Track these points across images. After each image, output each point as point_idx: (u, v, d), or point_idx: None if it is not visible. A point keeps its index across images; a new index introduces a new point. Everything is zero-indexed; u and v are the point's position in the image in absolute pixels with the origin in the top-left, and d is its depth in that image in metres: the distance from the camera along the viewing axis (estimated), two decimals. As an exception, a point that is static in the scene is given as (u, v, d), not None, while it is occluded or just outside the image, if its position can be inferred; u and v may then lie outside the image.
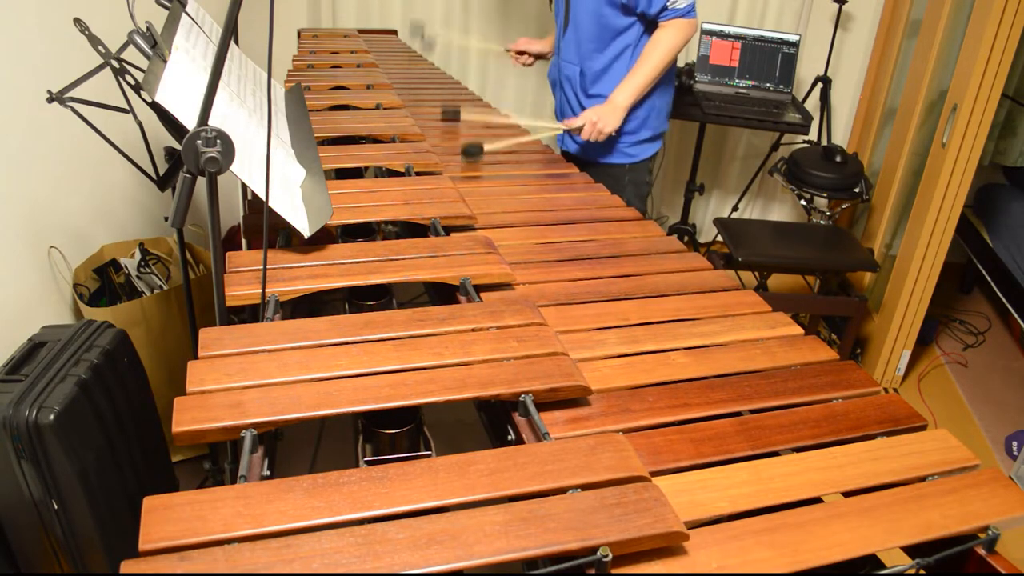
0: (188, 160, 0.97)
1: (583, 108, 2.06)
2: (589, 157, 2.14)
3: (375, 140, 1.73)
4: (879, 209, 2.94)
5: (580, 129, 1.94)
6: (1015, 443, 2.48)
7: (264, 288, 1.10)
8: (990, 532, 0.80)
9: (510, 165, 1.79)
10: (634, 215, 1.59)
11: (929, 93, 2.66)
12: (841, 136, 3.38)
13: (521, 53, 2.33)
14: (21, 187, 1.70)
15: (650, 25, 1.96)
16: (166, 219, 1.12)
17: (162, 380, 1.93)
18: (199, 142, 0.96)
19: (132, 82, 1.33)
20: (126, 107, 1.35)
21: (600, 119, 1.92)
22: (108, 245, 2.04)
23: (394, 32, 2.95)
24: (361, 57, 2.40)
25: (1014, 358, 3.05)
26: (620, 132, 2.02)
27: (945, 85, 2.53)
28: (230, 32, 0.93)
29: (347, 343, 1.00)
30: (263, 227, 1.06)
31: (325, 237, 1.28)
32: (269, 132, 1.06)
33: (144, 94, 1.21)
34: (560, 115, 2.25)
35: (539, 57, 2.35)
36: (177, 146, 1.12)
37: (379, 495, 0.75)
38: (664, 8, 1.87)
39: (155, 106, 1.10)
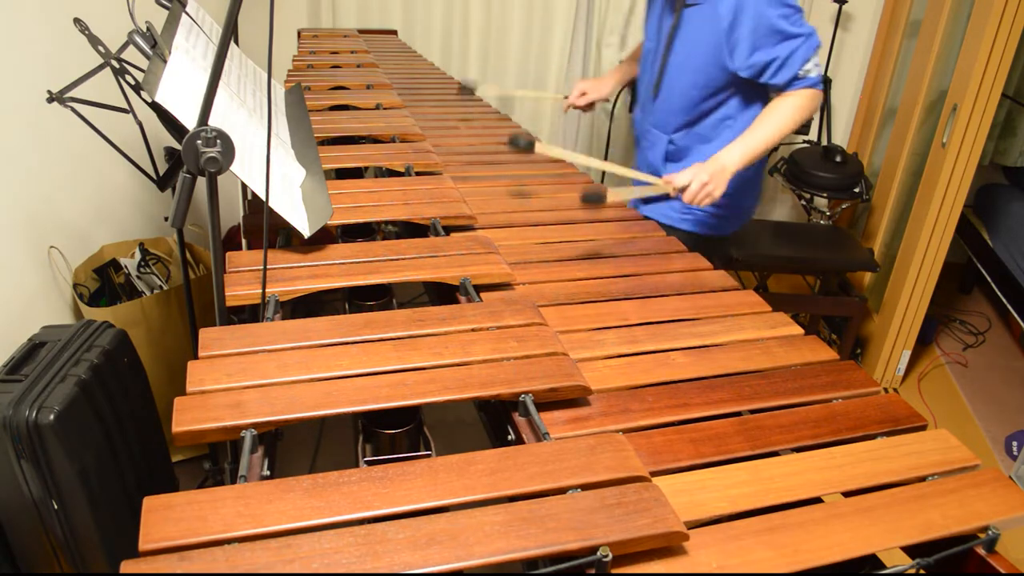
0: (188, 160, 0.97)
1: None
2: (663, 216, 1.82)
3: (375, 140, 1.73)
4: (879, 209, 2.94)
5: (683, 189, 1.59)
6: (1015, 443, 2.48)
7: (264, 288, 1.10)
8: (990, 532, 0.80)
9: (510, 165, 1.79)
10: (634, 215, 1.59)
11: (929, 93, 2.66)
12: (841, 136, 3.38)
13: (583, 101, 2.02)
14: (21, 187, 1.70)
15: (753, 95, 1.70)
16: (166, 219, 1.13)
17: (162, 380, 1.93)
18: (199, 142, 0.96)
19: (132, 82, 1.33)
20: (126, 107, 1.35)
21: (712, 180, 1.57)
22: (108, 245, 2.04)
23: (394, 32, 2.95)
24: (361, 57, 2.40)
25: (1014, 358, 3.05)
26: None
27: (945, 85, 2.53)
28: (230, 32, 0.93)
29: (347, 343, 1.00)
30: (263, 227, 1.06)
31: (325, 237, 1.28)
32: (269, 132, 1.06)
33: (144, 94, 1.22)
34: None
35: (603, 100, 2.05)
36: (177, 146, 1.12)
37: (379, 495, 0.75)
38: (795, 78, 1.59)
39: (155, 106, 1.10)
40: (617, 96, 2.10)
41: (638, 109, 1.91)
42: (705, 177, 1.56)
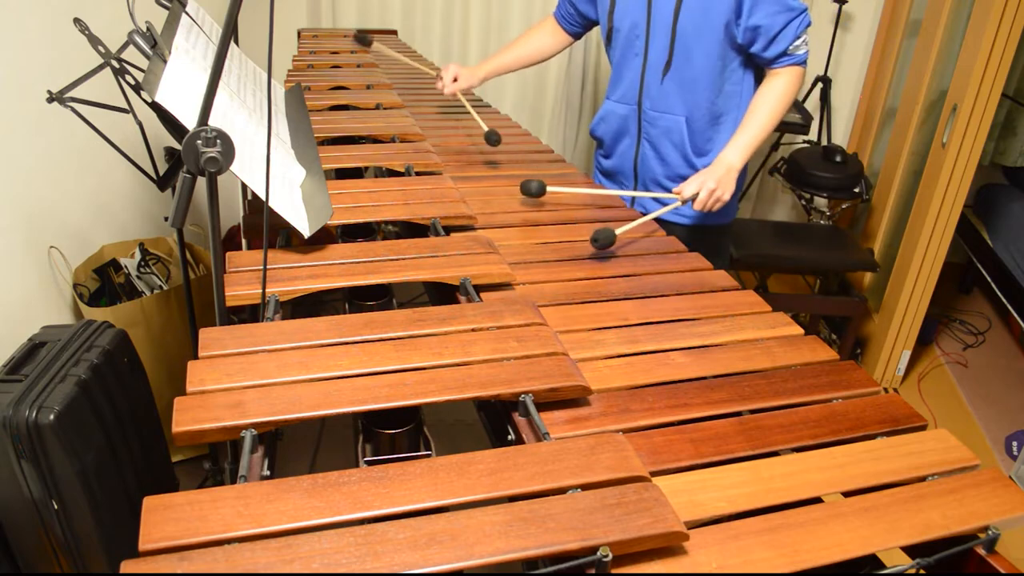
0: (188, 160, 0.97)
1: (693, 169, 1.71)
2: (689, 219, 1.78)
3: (375, 140, 1.73)
4: (879, 209, 2.94)
5: (693, 199, 1.56)
6: (1015, 443, 2.48)
7: (264, 288, 1.10)
8: (990, 532, 0.80)
9: (511, 165, 1.79)
10: (634, 215, 1.59)
11: (929, 93, 2.66)
12: (841, 136, 3.38)
13: (452, 88, 1.88)
14: (21, 187, 1.70)
15: (756, 71, 1.68)
16: (166, 219, 1.13)
17: (162, 380, 1.93)
18: (199, 142, 0.96)
19: (132, 82, 1.33)
20: (126, 107, 1.35)
21: (719, 186, 1.54)
22: (108, 245, 2.04)
23: (394, 32, 2.95)
24: (361, 57, 2.40)
25: (1014, 358, 3.05)
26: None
27: (945, 85, 2.53)
28: (230, 32, 0.93)
29: (347, 343, 1.00)
30: (263, 227, 1.06)
31: (325, 237, 1.28)
32: (269, 132, 1.06)
33: (144, 94, 1.21)
34: (644, 180, 1.83)
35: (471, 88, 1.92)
36: (177, 146, 1.12)
37: (379, 495, 0.75)
38: (784, 53, 1.57)
39: (155, 106, 1.10)
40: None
41: (610, 107, 1.80)
42: (712, 184, 1.53)
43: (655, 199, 1.78)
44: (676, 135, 1.72)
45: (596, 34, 3.13)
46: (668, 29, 1.63)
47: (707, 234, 1.79)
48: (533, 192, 1.53)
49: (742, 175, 1.69)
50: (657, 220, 1.55)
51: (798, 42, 1.58)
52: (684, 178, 1.63)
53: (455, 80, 1.88)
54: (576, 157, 3.43)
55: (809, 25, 1.59)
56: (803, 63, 1.61)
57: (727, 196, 1.56)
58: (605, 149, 1.90)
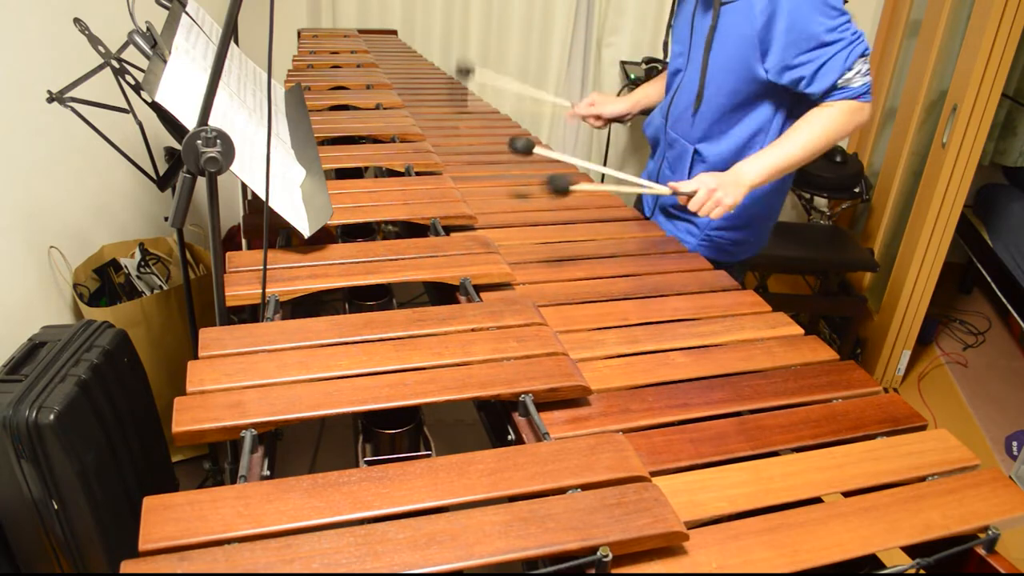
0: (188, 160, 0.97)
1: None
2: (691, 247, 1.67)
3: (375, 140, 1.73)
4: (879, 209, 2.94)
5: (691, 196, 1.45)
6: (1015, 443, 2.48)
7: (264, 288, 1.10)
8: (990, 532, 0.80)
9: (512, 165, 1.79)
10: (634, 215, 1.59)
11: (929, 93, 2.66)
12: (841, 136, 3.37)
13: (587, 111, 1.83)
14: (21, 187, 1.70)
15: (795, 106, 1.52)
16: (166, 219, 1.13)
17: (162, 380, 1.93)
18: (199, 142, 0.96)
19: (132, 82, 1.33)
20: (126, 107, 1.35)
21: (720, 187, 1.42)
22: (108, 245, 2.04)
23: (394, 32, 2.95)
24: (361, 57, 2.40)
25: (1014, 358, 3.05)
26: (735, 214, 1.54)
27: (945, 85, 2.53)
28: (230, 32, 0.93)
29: (347, 343, 1.00)
30: (263, 227, 1.06)
31: (325, 237, 1.28)
32: (269, 132, 1.06)
33: (144, 94, 1.22)
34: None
35: (613, 121, 1.87)
36: (177, 146, 1.12)
37: (379, 495, 0.75)
38: (833, 88, 1.41)
39: (155, 106, 1.10)
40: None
41: (658, 115, 1.76)
42: (713, 184, 1.42)
43: (647, 186, 1.64)
44: (685, 161, 1.65)
45: (596, 36, 3.13)
46: (699, 64, 1.56)
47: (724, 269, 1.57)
48: (520, 148, 1.41)
49: (764, 207, 1.60)
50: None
51: (850, 75, 1.40)
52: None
53: (591, 105, 1.82)
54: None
55: (864, 54, 1.41)
56: (860, 96, 1.42)
57: (728, 202, 1.42)
58: (651, 150, 1.84)
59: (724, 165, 1.54)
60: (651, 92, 1.88)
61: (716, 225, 1.62)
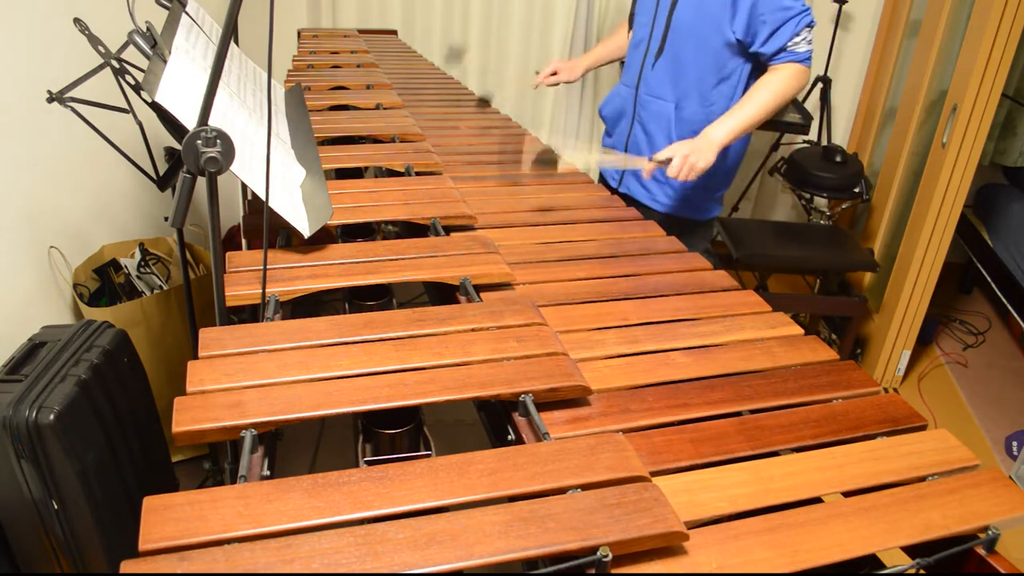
0: (188, 160, 0.97)
1: None
2: (664, 207, 1.92)
3: (375, 140, 1.73)
4: (879, 209, 2.94)
5: (667, 163, 1.64)
6: (1015, 443, 2.48)
7: (264, 288, 1.10)
8: (990, 532, 0.80)
9: (511, 165, 1.78)
10: (634, 215, 1.59)
11: (929, 93, 2.66)
12: (841, 136, 3.38)
13: (552, 81, 2.15)
14: (21, 187, 1.70)
15: (757, 69, 1.77)
16: (166, 219, 1.13)
17: (162, 380, 1.93)
18: (199, 142, 0.96)
19: (132, 82, 1.33)
20: (126, 107, 1.35)
21: (693, 153, 1.62)
22: (108, 245, 2.04)
23: (394, 32, 2.95)
24: (361, 57, 2.40)
25: (1014, 358, 3.05)
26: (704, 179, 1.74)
27: (945, 85, 2.53)
28: (230, 32, 0.93)
29: (347, 343, 1.00)
30: (263, 227, 1.06)
31: (325, 237, 1.28)
32: (269, 132, 1.06)
33: (144, 94, 1.22)
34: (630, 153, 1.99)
35: (569, 82, 2.17)
36: (177, 146, 1.12)
37: (379, 495, 0.75)
38: (782, 49, 1.65)
39: (155, 106, 1.10)
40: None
41: (619, 89, 1.98)
42: (686, 150, 1.62)
43: (627, 160, 1.89)
44: (664, 120, 1.85)
45: (596, 35, 3.13)
46: (665, 20, 1.78)
47: (682, 229, 1.76)
48: (545, 163, 1.65)
49: (726, 165, 1.79)
50: (635, 204, 1.67)
51: (797, 39, 1.64)
52: None
53: (554, 74, 2.11)
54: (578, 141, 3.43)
55: (811, 25, 1.65)
56: (803, 61, 1.66)
57: (701, 166, 1.63)
58: (608, 128, 2.05)
59: (705, 121, 1.74)
60: (609, 45, 2.17)
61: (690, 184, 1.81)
